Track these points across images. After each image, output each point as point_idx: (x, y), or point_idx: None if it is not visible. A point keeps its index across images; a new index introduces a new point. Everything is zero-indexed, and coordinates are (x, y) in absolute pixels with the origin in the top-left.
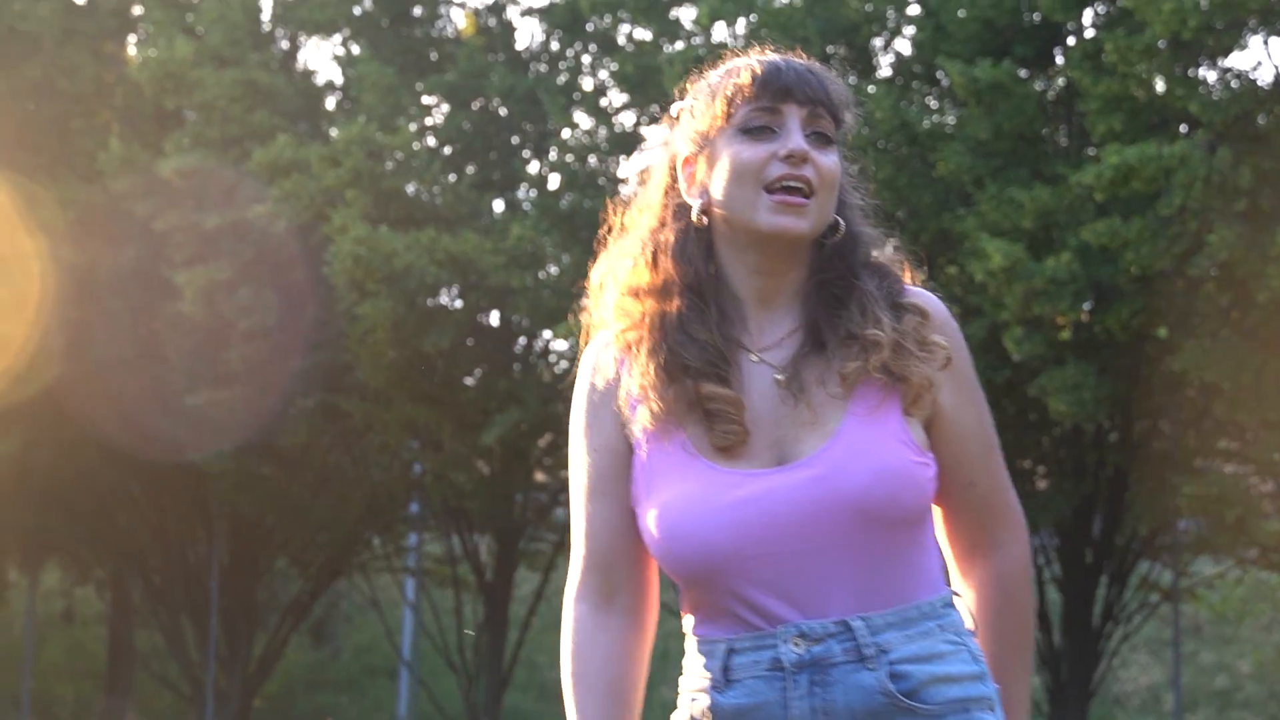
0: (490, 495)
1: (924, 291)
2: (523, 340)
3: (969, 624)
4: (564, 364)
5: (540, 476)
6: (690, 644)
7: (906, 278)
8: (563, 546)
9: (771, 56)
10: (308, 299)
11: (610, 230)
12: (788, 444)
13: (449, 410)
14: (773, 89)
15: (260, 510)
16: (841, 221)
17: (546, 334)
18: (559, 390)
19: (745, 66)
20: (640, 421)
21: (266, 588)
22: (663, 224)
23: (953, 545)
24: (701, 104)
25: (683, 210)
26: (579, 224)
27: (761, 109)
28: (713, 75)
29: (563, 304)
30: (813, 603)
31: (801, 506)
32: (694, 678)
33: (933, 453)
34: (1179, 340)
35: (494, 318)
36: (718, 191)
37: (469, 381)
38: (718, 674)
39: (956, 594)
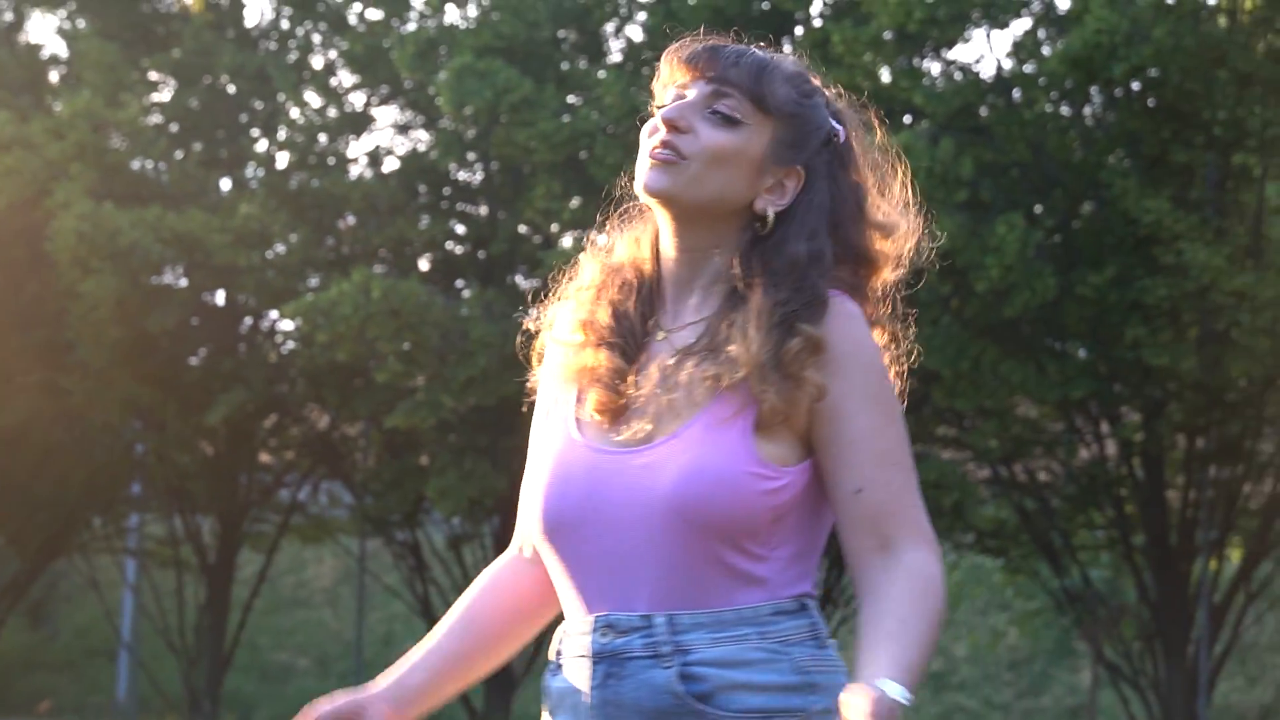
0: (214, 476)
1: (840, 315)
2: (248, 320)
3: (819, 636)
4: (290, 344)
5: (265, 457)
6: None
7: (854, 307)
8: (286, 528)
9: (707, 39)
10: (27, 276)
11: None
12: (656, 428)
13: (173, 390)
14: (682, 67)
15: None
16: (769, 212)
17: (273, 314)
18: (284, 371)
19: (672, 49)
20: (554, 385)
21: None
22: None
23: (852, 555)
24: (656, 93)
25: None
26: (307, 203)
27: (678, 85)
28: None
29: (289, 283)
30: (626, 594)
31: (624, 493)
32: (551, 653)
33: (813, 462)
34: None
35: (219, 297)
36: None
37: (193, 361)
38: (554, 655)
39: (804, 604)
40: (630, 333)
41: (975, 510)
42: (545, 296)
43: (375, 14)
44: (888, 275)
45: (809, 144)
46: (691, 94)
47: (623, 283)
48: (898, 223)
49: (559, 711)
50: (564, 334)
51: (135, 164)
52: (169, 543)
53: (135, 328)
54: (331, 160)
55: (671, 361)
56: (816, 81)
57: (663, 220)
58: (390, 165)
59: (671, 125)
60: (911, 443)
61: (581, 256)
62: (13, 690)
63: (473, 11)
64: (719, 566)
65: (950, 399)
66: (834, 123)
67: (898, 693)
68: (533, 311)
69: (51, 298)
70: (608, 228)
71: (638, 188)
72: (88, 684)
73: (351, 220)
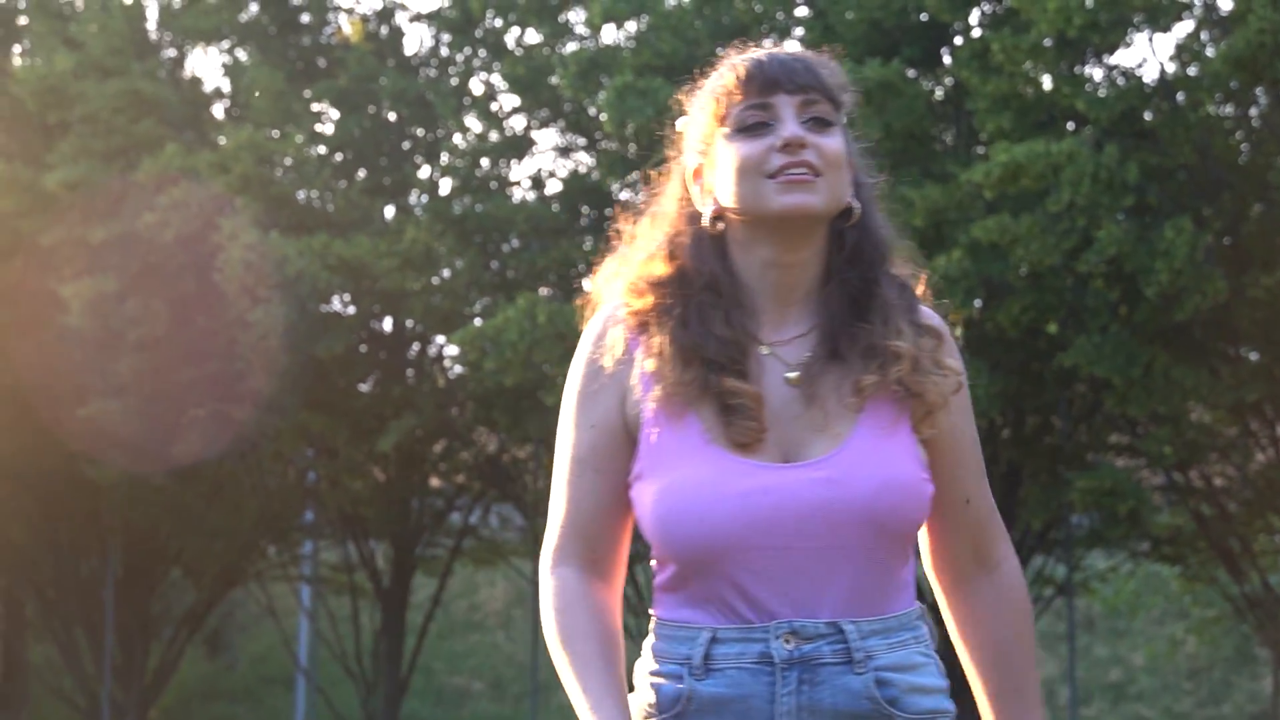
0: (386, 501)
1: (933, 312)
2: (416, 345)
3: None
4: (457, 368)
5: (436, 482)
6: (659, 628)
7: (919, 293)
8: (458, 552)
9: (756, 52)
10: (197, 308)
11: (620, 238)
12: (793, 443)
13: (343, 417)
14: (759, 84)
15: (154, 521)
16: (856, 204)
17: (440, 339)
18: (452, 395)
19: (730, 67)
20: (652, 402)
21: (161, 599)
22: (678, 231)
23: (951, 565)
24: (700, 113)
25: (695, 218)
26: (471, 227)
27: (753, 106)
28: (707, 83)
29: (456, 307)
30: (807, 601)
31: (811, 506)
32: (662, 662)
33: (931, 471)
34: (1069, 336)
35: (387, 323)
36: (725, 193)
37: (363, 388)
38: (697, 661)
39: (923, 611)
40: (741, 353)
41: (1151, 517)
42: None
43: (534, 37)
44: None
45: (851, 134)
46: (784, 109)
47: (702, 305)
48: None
49: (709, 715)
50: (660, 362)
51: (300, 194)
52: (343, 569)
53: (304, 354)
54: (494, 184)
55: (792, 375)
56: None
57: (774, 241)
58: (553, 187)
59: (799, 144)
60: (1085, 451)
61: (609, 272)
62: (193, 719)
63: (633, 30)
64: (888, 574)
65: (1122, 406)
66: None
67: None
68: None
69: (221, 329)
70: (625, 237)
71: (766, 210)
72: (267, 712)
73: (516, 243)
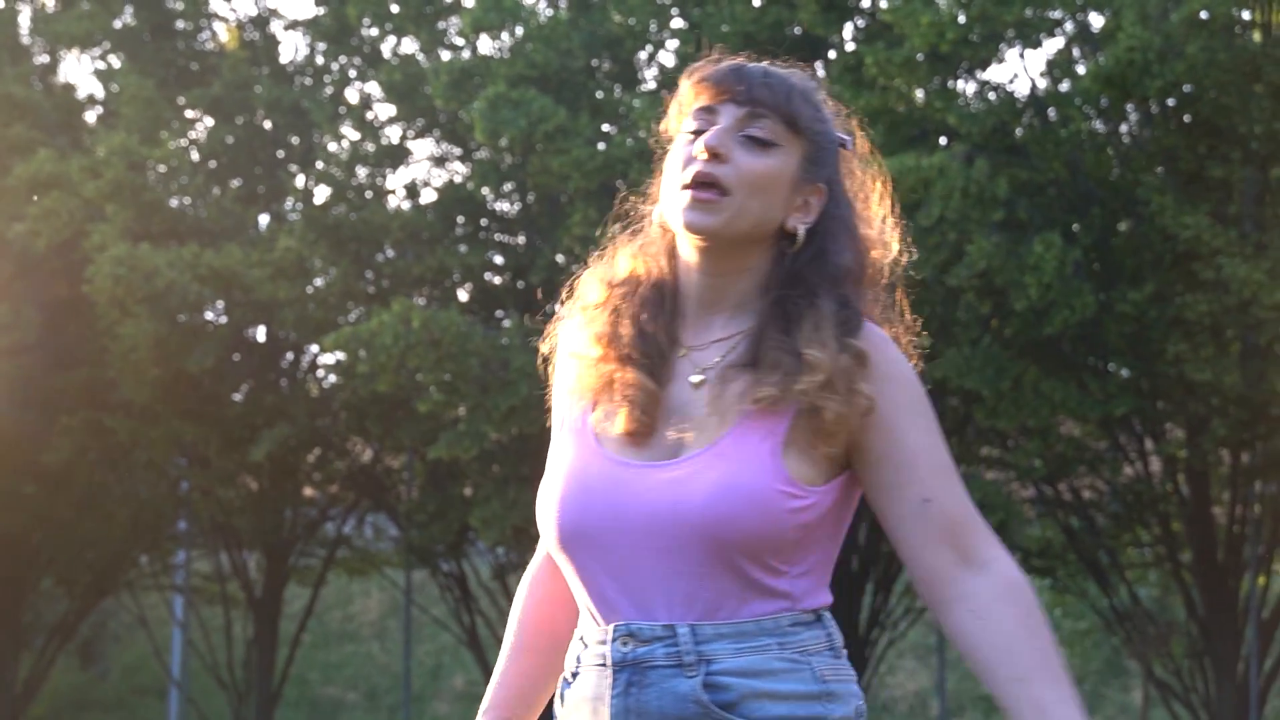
0: (259, 511)
1: (875, 333)
2: (289, 356)
3: (835, 646)
4: (331, 378)
5: (309, 491)
6: None
7: (880, 321)
8: (332, 561)
9: (728, 60)
10: (68, 315)
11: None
12: (681, 444)
13: (216, 426)
14: (711, 90)
15: (24, 529)
16: (799, 229)
17: (313, 348)
18: (326, 404)
19: (695, 70)
20: (570, 399)
21: (32, 608)
22: (645, 227)
23: (932, 572)
24: (672, 114)
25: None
26: (346, 236)
27: (702, 110)
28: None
29: (330, 316)
30: (647, 603)
31: (649, 505)
32: (566, 662)
33: (870, 483)
34: (940, 349)
35: (260, 333)
36: (660, 194)
37: (236, 397)
38: (572, 661)
39: (820, 616)
40: (658, 351)
41: (1021, 530)
42: (552, 316)
43: (410, 46)
44: (881, 284)
45: (829, 160)
46: (723, 118)
47: (643, 299)
48: (876, 238)
49: (573, 716)
50: (580, 348)
51: (173, 201)
52: (216, 579)
53: (175, 367)
54: (369, 193)
55: (696, 379)
56: (823, 95)
57: (692, 248)
58: (428, 196)
59: (713, 153)
60: (956, 463)
61: (585, 275)
62: None
63: (507, 41)
64: (742, 580)
65: (992, 419)
66: (840, 134)
67: None
68: (544, 330)
69: (93, 336)
70: (611, 242)
71: (676, 224)
72: None
73: (390, 252)
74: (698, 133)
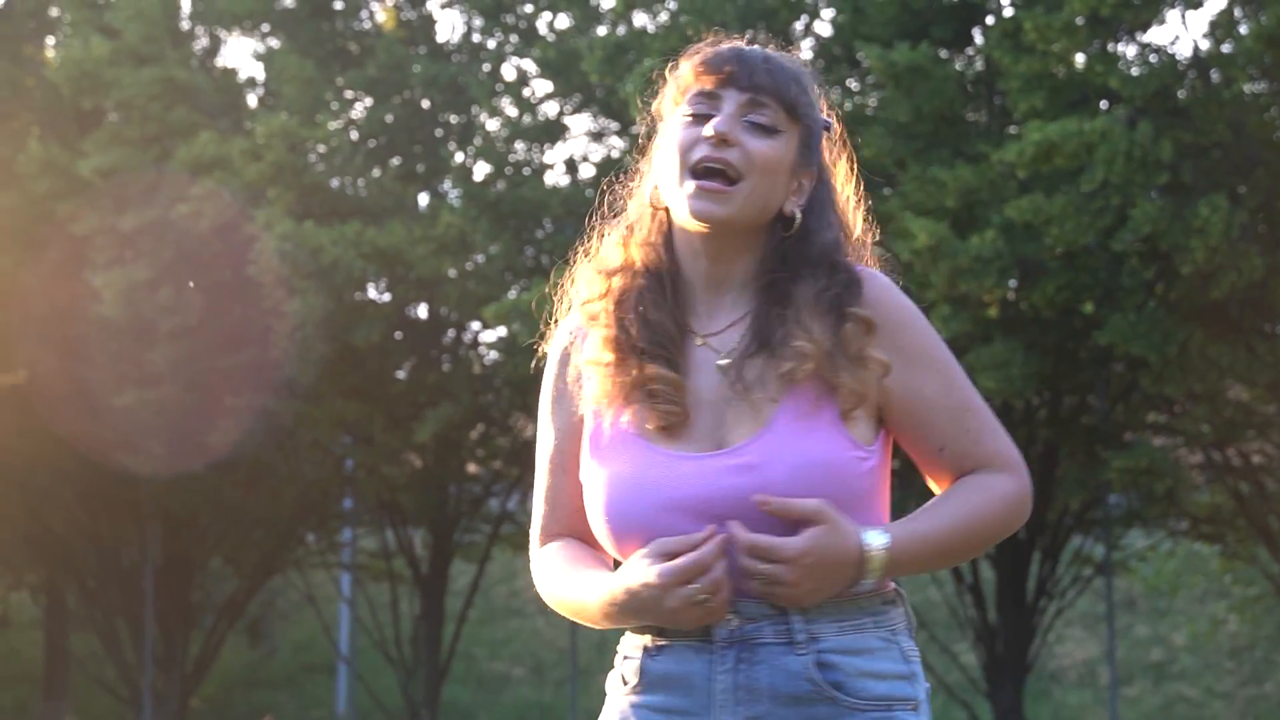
0: (423, 488)
1: (878, 290)
2: (451, 333)
3: (912, 626)
4: (493, 355)
5: (473, 468)
6: None
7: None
8: (496, 538)
9: (728, 44)
10: (232, 297)
11: (614, 214)
12: (725, 431)
13: (379, 404)
14: (712, 74)
15: (193, 510)
16: (796, 212)
17: (475, 325)
18: (489, 381)
19: (693, 53)
20: (588, 397)
21: (201, 587)
22: (639, 214)
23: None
24: (665, 97)
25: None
26: (506, 211)
27: (702, 95)
28: (682, 63)
29: (492, 292)
30: (748, 584)
31: (729, 493)
32: (630, 640)
33: (895, 432)
34: (1105, 315)
35: (422, 310)
36: (659, 177)
37: (399, 375)
38: (652, 636)
39: (900, 594)
40: (671, 342)
41: (1189, 496)
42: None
43: (564, 21)
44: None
45: (817, 143)
46: (726, 104)
47: (641, 290)
48: (848, 200)
49: (657, 691)
50: (593, 355)
51: (334, 182)
52: (382, 556)
53: (340, 344)
54: (528, 169)
55: (724, 363)
56: (815, 79)
57: (694, 235)
58: (586, 171)
59: (723, 139)
60: (1122, 430)
61: (577, 270)
62: (235, 707)
63: (662, 16)
64: None
65: (1159, 384)
66: (823, 117)
67: (873, 537)
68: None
69: (257, 318)
70: (594, 232)
71: (680, 211)
72: (308, 699)
73: (550, 228)
74: (697, 117)
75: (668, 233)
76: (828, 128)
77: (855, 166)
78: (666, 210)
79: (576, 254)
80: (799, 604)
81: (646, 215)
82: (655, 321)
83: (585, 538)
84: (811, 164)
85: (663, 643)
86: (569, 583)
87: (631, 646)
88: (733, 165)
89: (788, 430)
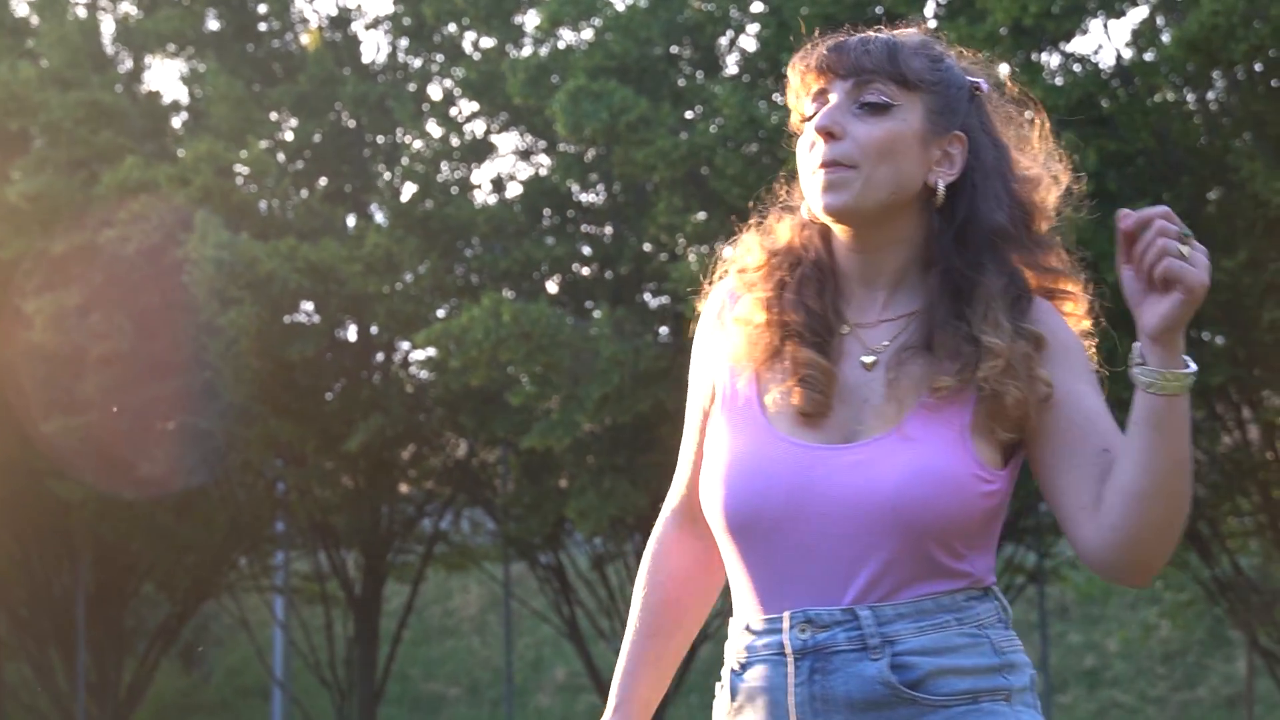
0: (356, 509)
1: (1044, 311)
2: (381, 353)
3: (1005, 618)
4: (424, 373)
5: (405, 488)
6: (730, 623)
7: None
8: (430, 558)
9: (824, 40)
10: (161, 321)
11: (772, 201)
12: (855, 425)
13: (312, 424)
14: (814, 73)
15: (124, 536)
16: (940, 185)
17: (404, 344)
18: (420, 399)
19: (802, 56)
20: (729, 354)
21: (134, 614)
22: (799, 200)
23: (1076, 492)
24: (792, 100)
25: None
26: (434, 230)
27: (816, 95)
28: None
29: (420, 311)
30: (827, 588)
31: (835, 490)
32: (728, 659)
33: (1043, 447)
34: None
35: (351, 331)
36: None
37: (330, 395)
38: (740, 652)
39: (989, 589)
40: (825, 328)
41: None
42: (708, 278)
43: (489, 41)
44: (1044, 228)
45: (959, 105)
46: (835, 96)
47: (802, 276)
48: (1041, 175)
49: (746, 711)
50: (744, 313)
51: (262, 204)
52: (315, 578)
53: (275, 359)
54: (455, 188)
55: (868, 360)
56: (942, 46)
57: (838, 229)
58: (514, 190)
59: (827, 134)
60: None
61: (743, 238)
62: None
63: (586, 34)
64: (926, 564)
65: None
66: (971, 77)
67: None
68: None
69: (186, 341)
70: (765, 216)
71: (815, 209)
72: None
73: (479, 246)
74: (814, 118)
75: (826, 233)
76: (977, 87)
77: (1047, 134)
78: None
79: (747, 226)
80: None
81: (809, 218)
82: (813, 307)
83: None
84: (949, 128)
85: (744, 659)
86: (627, 640)
87: (728, 668)
88: (846, 156)
89: (913, 435)
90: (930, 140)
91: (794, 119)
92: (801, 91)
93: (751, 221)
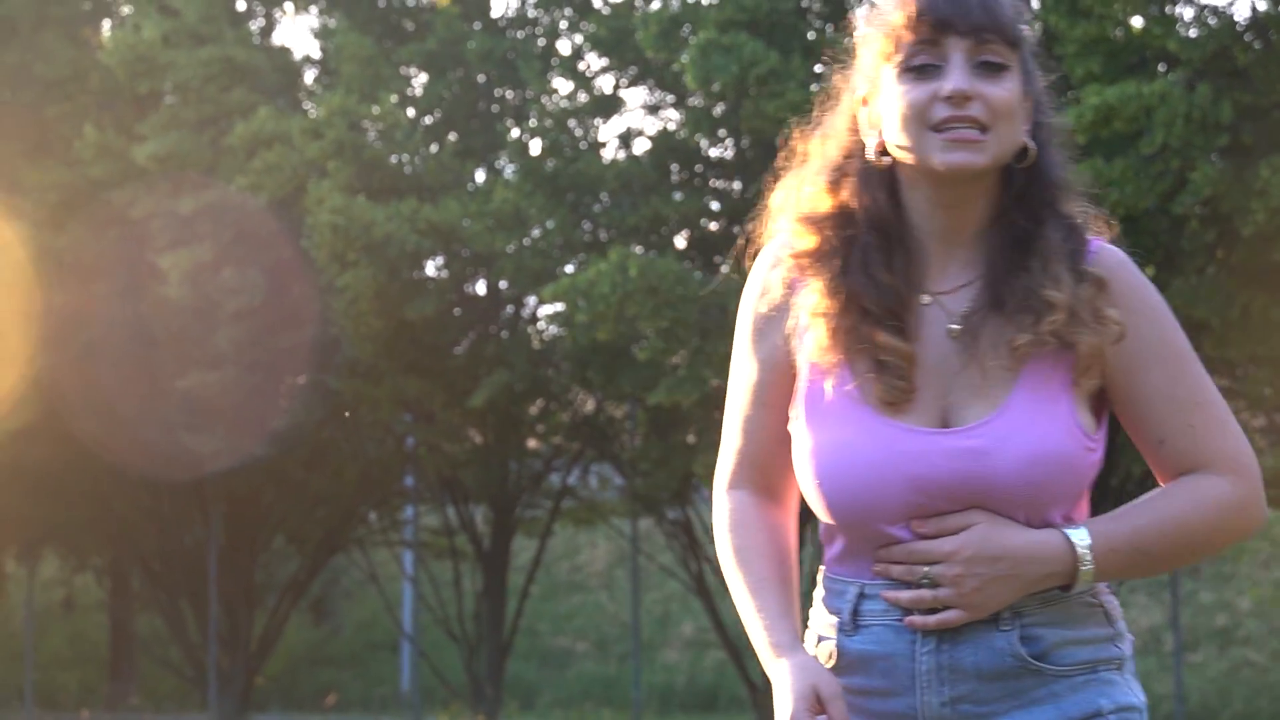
0: (484, 464)
1: (1110, 255)
2: (509, 307)
3: (1113, 584)
4: (551, 329)
5: (533, 443)
6: (824, 580)
7: (1097, 233)
8: (557, 513)
9: None
10: (292, 276)
11: (792, 155)
12: (953, 404)
13: (438, 380)
14: (930, 22)
15: (255, 490)
16: (1032, 145)
17: (532, 299)
18: (547, 355)
19: (902, 2)
20: (808, 352)
21: (264, 567)
22: (846, 155)
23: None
24: (871, 39)
25: (861, 147)
26: (562, 186)
27: (922, 43)
28: (883, 6)
29: (548, 267)
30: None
31: (956, 476)
32: (820, 616)
33: (1116, 414)
34: (1166, 279)
35: (480, 286)
36: (890, 133)
37: (457, 350)
38: (846, 616)
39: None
40: (900, 303)
41: None
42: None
43: None
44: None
45: (1033, 65)
46: (952, 51)
47: (866, 245)
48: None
49: (855, 672)
50: (817, 305)
51: (392, 159)
52: (444, 533)
53: (396, 319)
54: (584, 144)
55: (958, 328)
56: None
57: (939, 185)
58: (642, 146)
59: (964, 97)
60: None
61: (778, 201)
62: (299, 685)
63: None
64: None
65: (1221, 348)
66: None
67: (1077, 535)
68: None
69: (316, 296)
70: (779, 183)
71: (926, 165)
72: (372, 677)
73: (607, 202)
74: (922, 70)
75: (891, 185)
76: (1032, 40)
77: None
78: (888, 164)
79: (763, 204)
80: (973, 607)
81: (863, 164)
82: (884, 281)
83: (774, 483)
84: (1031, 90)
85: (861, 622)
86: (744, 590)
87: (826, 626)
88: (978, 120)
89: (1023, 415)
90: (1024, 99)
91: (871, 57)
92: (901, 35)
93: (776, 195)
